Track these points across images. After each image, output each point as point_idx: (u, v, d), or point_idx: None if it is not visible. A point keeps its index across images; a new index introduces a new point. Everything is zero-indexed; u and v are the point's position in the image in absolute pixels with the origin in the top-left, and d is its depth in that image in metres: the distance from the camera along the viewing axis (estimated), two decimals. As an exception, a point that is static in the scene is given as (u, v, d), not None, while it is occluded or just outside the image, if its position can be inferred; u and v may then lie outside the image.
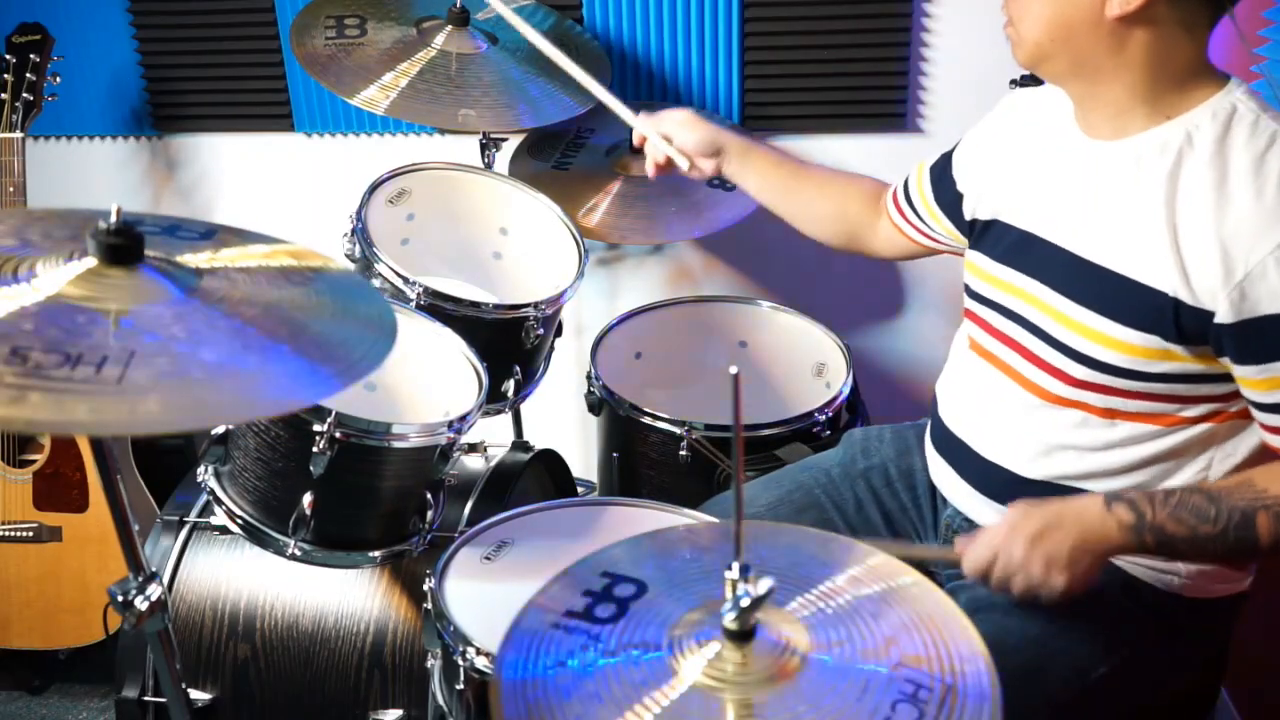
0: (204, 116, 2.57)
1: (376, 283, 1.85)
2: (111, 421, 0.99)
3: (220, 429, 1.63)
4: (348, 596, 1.79)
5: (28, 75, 2.28)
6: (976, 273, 1.56)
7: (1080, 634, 1.44)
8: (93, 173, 2.64)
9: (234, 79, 2.51)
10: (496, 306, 1.90)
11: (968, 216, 1.60)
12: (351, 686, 1.77)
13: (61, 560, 2.30)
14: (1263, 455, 1.37)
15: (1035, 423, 1.46)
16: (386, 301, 1.29)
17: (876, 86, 2.33)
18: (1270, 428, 1.33)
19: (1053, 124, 1.48)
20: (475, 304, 1.87)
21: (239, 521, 1.67)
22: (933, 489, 1.65)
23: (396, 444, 1.62)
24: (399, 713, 1.75)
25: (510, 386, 1.95)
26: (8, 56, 2.29)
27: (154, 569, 1.31)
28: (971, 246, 1.59)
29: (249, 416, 1.47)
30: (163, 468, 2.31)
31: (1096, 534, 1.31)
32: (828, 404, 2.00)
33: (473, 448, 2.03)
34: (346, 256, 1.89)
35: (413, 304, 1.82)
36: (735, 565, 0.97)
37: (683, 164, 1.76)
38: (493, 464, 1.99)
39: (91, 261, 1.12)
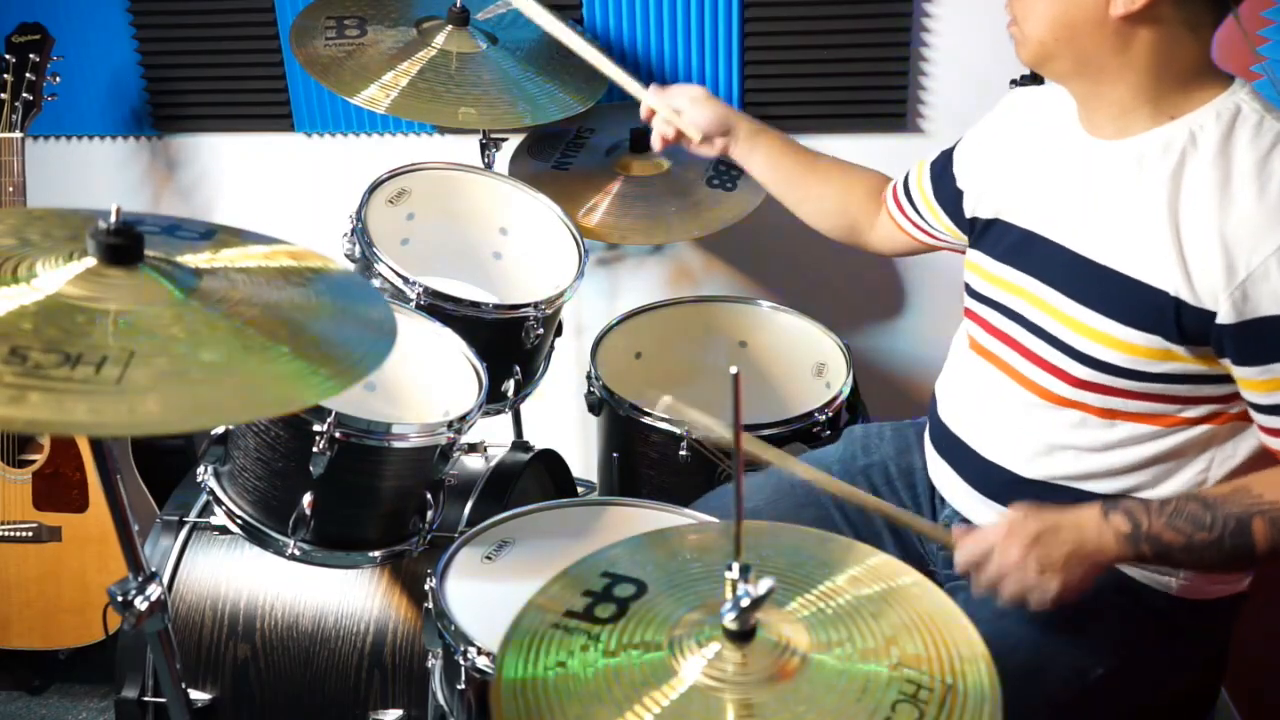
0: (204, 116, 2.57)
1: (376, 283, 1.85)
2: (111, 422, 0.99)
3: (220, 429, 1.63)
4: (348, 596, 1.79)
5: (27, 75, 2.28)
6: (977, 272, 1.55)
7: (1080, 634, 1.44)
8: (92, 173, 2.64)
9: (234, 79, 2.51)
10: (496, 306, 1.90)
11: (968, 215, 1.60)
12: (351, 686, 1.77)
13: (61, 560, 2.29)
14: (1262, 457, 1.37)
15: (1034, 422, 1.46)
16: (386, 301, 1.29)
17: (876, 86, 2.33)
18: (1269, 430, 1.33)
19: (1054, 123, 1.48)
20: (475, 304, 1.87)
21: (239, 521, 1.67)
22: (932, 487, 1.65)
23: (396, 444, 1.62)
24: (399, 713, 1.75)
25: (510, 386, 1.95)
26: (7, 56, 2.29)
27: (154, 569, 1.31)
28: (972, 245, 1.58)
29: (249, 417, 1.46)
30: (163, 468, 2.31)
31: (1093, 543, 1.32)
32: (828, 404, 2.00)
33: (473, 448, 2.03)
34: (346, 256, 1.89)
35: (413, 304, 1.82)
36: (735, 565, 0.97)
37: (695, 134, 1.76)
38: (493, 464, 1.99)
39: (91, 261, 1.12)
